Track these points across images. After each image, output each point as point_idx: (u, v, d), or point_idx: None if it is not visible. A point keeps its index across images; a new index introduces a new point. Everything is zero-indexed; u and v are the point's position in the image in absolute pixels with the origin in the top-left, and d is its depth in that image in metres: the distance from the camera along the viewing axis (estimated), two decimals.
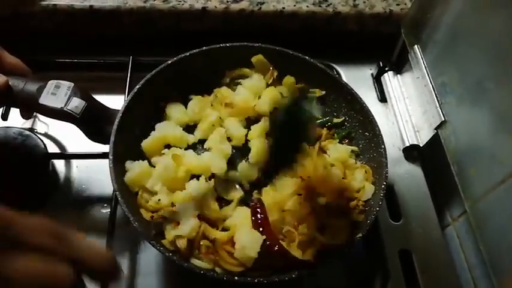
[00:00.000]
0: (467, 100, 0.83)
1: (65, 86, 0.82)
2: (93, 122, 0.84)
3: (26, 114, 0.89)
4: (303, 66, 0.97)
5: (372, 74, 1.15)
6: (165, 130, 0.88)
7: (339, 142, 0.93)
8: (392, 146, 1.01)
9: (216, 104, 0.95)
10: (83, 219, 0.90)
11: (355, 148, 0.92)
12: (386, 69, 1.11)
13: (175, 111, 0.92)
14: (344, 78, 1.08)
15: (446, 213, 0.95)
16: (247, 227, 0.76)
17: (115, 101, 0.92)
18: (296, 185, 0.80)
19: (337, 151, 0.89)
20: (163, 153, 0.85)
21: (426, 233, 0.90)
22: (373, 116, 0.89)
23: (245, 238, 0.73)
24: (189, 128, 0.93)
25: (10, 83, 0.79)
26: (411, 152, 1.00)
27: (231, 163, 0.86)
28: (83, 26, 1.11)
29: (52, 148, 0.98)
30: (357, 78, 1.11)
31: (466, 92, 0.84)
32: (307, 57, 0.96)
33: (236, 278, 0.72)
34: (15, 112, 0.93)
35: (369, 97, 1.06)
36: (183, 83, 0.94)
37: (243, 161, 0.87)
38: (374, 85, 1.13)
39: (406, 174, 0.98)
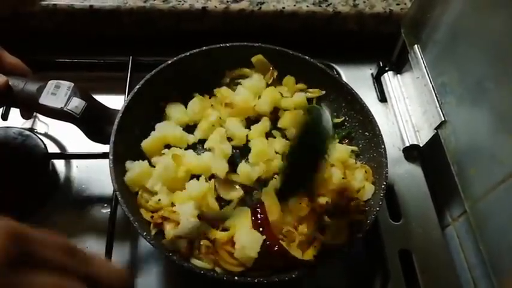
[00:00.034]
0: (467, 100, 0.83)
1: (65, 86, 0.82)
2: (93, 122, 0.84)
3: (26, 114, 0.89)
4: (303, 66, 0.97)
5: (372, 74, 1.15)
6: (165, 130, 0.88)
7: (338, 142, 0.93)
8: (392, 146, 1.01)
9: (216, 104, 0.95)
10: (83, 219, 0.90)
11: (355, 148, 0.92)
12: (387, 69, 1.11)
13: (175, 111, 0.92)
14: (344, 78, 1.08)
15: (446, 213, 0.95)
16: (247, 227, 0.76)
17: (115, 101, 0.92)
18: None
19: (337, 151, 0.89)
20: (163, 153, 0.85)
21: (426, 233, 0.90)
22: (373, 116, 0.89)
23: (245, 238, 0.73)
24: (189, 128, 0.93)
25: (10, 83, 0.79)
26: (411, 152, 1.00)
27: (231, 163, 0.86)
28: (83, 26, 1.11)
29: (52, 148, 0.98)
30: (357, 78, 1.11)
31: (466, 92, 0.84)
32: (307, 57, 0.96)
33: (236, 278, 0.72)
34: (15, 112, 0.93)
35: (368, 97, 1.06)
36: (183, 83, 0.94)
37: (243, 161, 0.88)
38: (374, 85, 1.13)
39: (406, 174, 0.98)
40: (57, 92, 0.81)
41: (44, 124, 1.02)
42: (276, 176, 0.85)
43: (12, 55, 0.82)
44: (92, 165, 0.96)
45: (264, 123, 0.92)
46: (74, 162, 0.97)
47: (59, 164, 0.97)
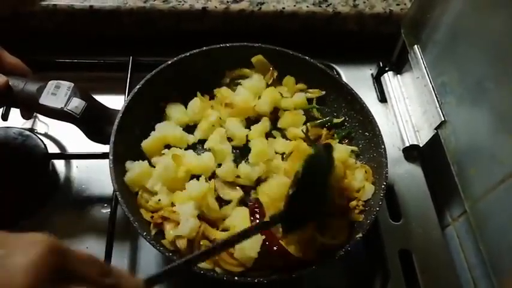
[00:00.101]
0: (467, 100, 0.83)
1: (65, 86, 0.82)
2: (93, 122, 0.84)
3: (26, 115, 0.89)
4: (303, 66, 0.97)
5: (371, 74, 1.15)
6: (165, 130, 0.88)
7: (338, 142, 0.93)
8: (392, 146, 1.01)
9: (216, 105, 0.95)
10: (83, 219, 0.90)
11: (355, 148, 0.92)
12: (386, 69, 1.11)
13: (175, 111, 0.92)
14: (344, 79, 1.08)
15: (446, 213, 0.95)
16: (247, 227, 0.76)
17: (115, 101, 0.92)
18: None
19: (337, 151, 0.89)
20: (163, 154, 0.85)
21: (426, 233, 0.90)
22: (373, 116, 0.89)
23: None
24: (189, 128, 0.93)
25: (10, 83, 0.79)
26: (411, 152, 1.00)
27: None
28: (83, 26, 1.11)
29: (52, 148, 0.98)
30: (357, 79, 1.11)
31: (466, 92, 0.84)
32: (307, 58, 0.96)
33: (236, 278, 0.72)
34: (15, 112, 0.93)
35: (368, 97, 1.06)
36: (183, 83, 0.94)
37: (243, 161, 0.88)
38: (374, 85, 1.13)
39: (406, 174, 0.98)
40: (57, 92, 0.81)
41: (44, 124, 1.02)
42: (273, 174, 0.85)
43: (12, 55, 0.82)
44: (92, 165, 0.96)
45: (264, 124, 0.92)
46: (74, 162, 0.97)
47: (59, 164, 0.97)
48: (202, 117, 0.92)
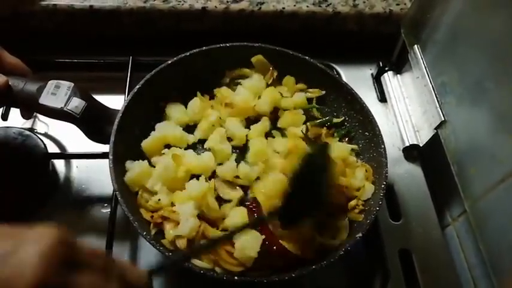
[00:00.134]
0: (467, 100, 0.83)
1: (64, 86, 0.82)
2: (93, 122, 0.84)
3: (26, 114, 0.89)
4: (303, 66, 0.97)
5: (371, 74, 1.15)
6: (165, 130, 0.88)
7: (338, 141, 0.93)
8: (392, 146, 1.01)
9: (216, 104, 0.95)
10: (83, 219, 0.90)
11: (354, 147, 0.92)
12: (386, 69, 1.11)
13: (175, 111, 0.92)
14: (344, 78, 1.08)
15: (446, 213, 0.95)
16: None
17: (115, 101, 0.92)
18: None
19: (337, 149, 0.89)
20: (163, 153, 0.85)
21: (426, 233, 0.90)
22: (373, 116, 0.89)
23: (244, 238, 0.73)
24: (189, 128, 0.93)
25: (10, 83, 0.79)
26: (411, 152, 1.00)
27: None
28: (83, 26, 1.11)
29: (52, 148, 0.98)
30: (357, 78, 1.11)
31: (465, 92, 0.84)
32: (307, 57, 0.96)
33: (236, 277, 0.72)
34: (15, 112, 0.93)
35: (368, 97, 1.06)
36: (183, 83, 0.94)
37: (242, 161, 0.87)
38: (374, 85, 1.14)
39: (406, 174, 0.98)
40: (57, 92, 0.81)
41: (44, 124, 1.03)
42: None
43: (12, 55, 0.82)
44: (91, 165, 0.96)
45: (264, 123, 0.92)
46: (74, 162, 0.97)
47: (59, 164, 0.97)
48: (202, 117, 0.92)
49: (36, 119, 1.03)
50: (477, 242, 0.79)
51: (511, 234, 0.70)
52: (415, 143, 0.98)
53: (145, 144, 0.86)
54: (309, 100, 0.98)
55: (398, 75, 1.10)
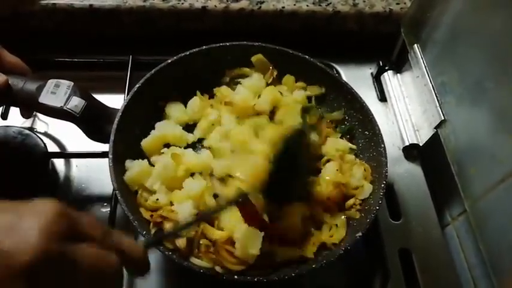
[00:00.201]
0: (467, 99, 0.83)
1: (64, 85, 0.82)
2: (92, 121, 0.84)
3: (25, 113, 0.89)
4: (302, 65, 0.97)
5: (371, 74, 1.15)
6: (164, 129, 0.88)
7: (340, 138, 0.93)
8: (392, 145, 1.01)
9: (215, 104, 0.95)
10: None
11: (353, 146, 0.92)
12: (386, 68, 1.11)
13: (174, 110, 0.92)
14: (344, 78, 1.08)
15: (446, 212, 0.95)
16: (245, 225, 0.75)
17: (115, 100, 0.92)
18: None
19: (336, 145, 0.89)
20: (163, 153, 0.85)
21: (426, 232, 0.90)
22: (372, 115, 0.89)
23: (245, 237, 0.73)
24: (189, 128, 0.93)
25: (10, 82, 0.79)
26: (411, 151, 1.00)
27: None
28: (82, 25, 1.11)
29: (52, 147, 0.98)
30: (357, 78, 1.11)
31: (465, 92, 0.84)
32: (307, 57, 0.96)
33: (236, 277, 0.72)
34: (15, 111, 0.93)
35: (368, 96, 1.06)
36: (183, 82, 0.94)
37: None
38: (374, 84, 1.13)
39: (406, 174, 0.98)
40: (57, 91, 0.81)
41: (44, 123, 1.02)
42: None
43: (12, 54, 0.82)
44: (91, 164, 0.96)
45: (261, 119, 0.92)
46: (74, 161, 0.97)
47: (59, 163, 0.97)
48: (201, 116, 0.92)
49: (36, 118, 1.03)
50: (477, 242, 0.79)
51: (511, 234, 0.70)
52: (415, 142, 0.98)
53: (145, 143, 0.86)
54: (309, 99, 0.98)
55: (398, 74, 1.10)
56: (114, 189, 0.77)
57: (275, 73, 0.98)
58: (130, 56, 1.06)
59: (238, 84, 0.97)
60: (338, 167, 0.85)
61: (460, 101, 0.86)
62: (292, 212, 0.79)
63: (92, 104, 0.83)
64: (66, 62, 1.10)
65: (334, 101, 0.97)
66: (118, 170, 0.79)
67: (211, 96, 0.97)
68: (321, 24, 1.13)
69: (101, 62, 1.11)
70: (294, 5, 1.11)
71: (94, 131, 0.85)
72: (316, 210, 0.81)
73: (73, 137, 0.95)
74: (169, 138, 0.88)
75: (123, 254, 0.50)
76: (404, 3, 1.13)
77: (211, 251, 0.74)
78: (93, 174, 0.95)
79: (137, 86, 0.88)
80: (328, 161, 0.88)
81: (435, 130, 0.91)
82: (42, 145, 0.92)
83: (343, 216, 0.82)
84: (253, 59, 0.97)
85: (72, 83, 0.83)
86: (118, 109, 0.84)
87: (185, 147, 0.89)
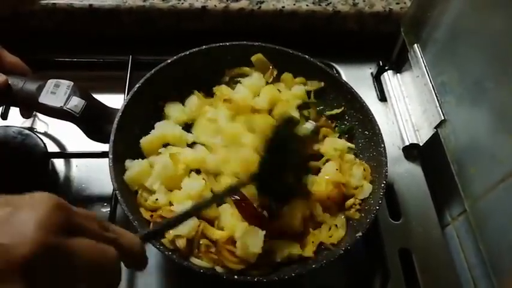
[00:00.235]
0: (467, 99, 0.83)
1: (64, 85, 0.82)
2: (92, 121, 0.84)
3: (25, 113, 0.89)
4: (302, 65, 0.97)
5: (371, 73, 1.15)
6: (164, 129, 0.87)
7: (338, 137, 0.93)
8: (392, 145, 1.01)
9: (215, 102, 0.94)
10: None
11: (352, 145, 0.92)
12: (386, 68, 1.11)
13: (173, 110, 0.92)
14: (344, 77, 1.08)
15: (446, 212, 0.95)
16: (245, 224, 0.76)
17: (115, 100, 0.92)
18: None
19: (334, 143, 0.89)
20: (160, 153, 0.85)
21: (426, 232, 0.90)
22: (372, 115, 0.89)
23: (246, 236, 0.73)
24: (189, 127, 0.92)
25: (10, 82, 0.79)
26: (411, 151, 1.00)
27: None
28: (82, 25, 1.11)
29: (52, 147, 0.98)
30: (357, 77, 1.11)
31: (465, 91, 0.84)
32: (306, 56, 0.96)
33: (236, 277, 0.71)
34: (14, 111, 0.93)
35: (368, 96, 1.06)
36: (183, 82, 0.94)
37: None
38: (374, 84, 1.13)
39: (406, 173, 0.98)
40: (57, 91, 0.81)
41: (44, 123, 1.02)
42: None
43: (12, 54, 0.82)
44: (91, 164, 0.96)
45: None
46: (74, 161, 0.97)
47: (59, 163, 0.97)
48: (199, 115, 0.92)
49: (36, 118, 1.03)
50: (477, 241, 0.79)
51: (511, 234, 0.70)
52: (415, 142, 0.98)
53: (144, 141, 0.85)
54: (309, 96, 0.97)
55: (398, 74, 1.10)
56: (114, 189, 0.77)
57: (275, 72, 0.98)
58: (130, 56, 1.05)
59: (238, 83, 0.96)
60: (338, 167, 0.85)
61: (460, 100, 0.85)
62: (292, 208, 0.79)
63: (91, 104, 0.83)
64: (66, 62, 1.10)
65: (334, 101, 0.97)
66: (118, 170, 0.79)
67: (211, 96, 0.97)
68: (320, 24, 1.13)
69: (101, 62, 1.11)
70: (294, 4, 1.11)
71: (94, 131, 0.85)
72: (316, 210, 0.81)
73: (73, 137, 0.95)
74: (169, 138, 0.87)
75: (121, 247, 0.49)
76: (404, 2, 1.13)
77: (212, 251, 0.74)
78: (93, 174, 0.95)
79: (137, 86, 0.88)
80: (327, 160, 0.88)
81: (435, 130, 0.91)
82: (42, 145, 0.92)
83: (342, 216, 0.82)
84: (253, 58, 0.97)
85: (72, 83, 0.83)
86: (118, 109, 0.84)
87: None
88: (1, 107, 0.97)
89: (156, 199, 0.78)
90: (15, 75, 0.81)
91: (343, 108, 0.95)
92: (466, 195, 0.82)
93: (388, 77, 1.10)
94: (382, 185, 0.81)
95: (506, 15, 0.74)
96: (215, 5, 1.09)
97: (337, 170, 0.85)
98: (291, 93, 0.96)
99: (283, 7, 1.10)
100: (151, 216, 0.78)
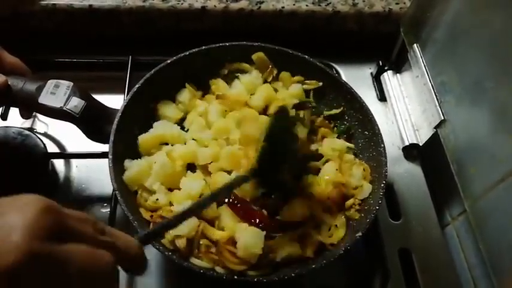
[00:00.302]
0: (466, 99, 0.83)
1: (64, 86, 0.82)
2: (92, 121, 0.84)
3: (25, 114, 0.89)
4: (302, 65, 0.97)
5: (371, 73, 1.15)
6: (162, 129, 0.87)
7: (337, 137, 0.93)
8: (392, 145, 1.01)
9: (208, 96, 0.94)
10: None
11: (351, 145, 0.92)
12: (386, 68, 1.11)
13: (167, 110, 0.91)
14: (343, 77, 1.08)
15: (446, 212, 0.95)
16: (245, 224, 0.76)
17: (114, 101, 0.92)
18: None
19: (332, 143, 0.89)
20: (153, 152, 0.85)
21: (426, 232, 0.90)
22: (372, 115, 0.89)
23: (246, 236, 0.73)
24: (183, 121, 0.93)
25: (9, 83, 0.79)
26: (411, 151, 1.00)
27: None
28: (82, 26, 1.11)
29: (52, 148, 0.98)
30: (357, 78, 1.11)
31: (465, 91, 0.84)
32: (306, 56, 0.96)
33: (236, 277, 0.72)
34: (14, 112, 0.93)
35: (368, 96, 1.06)
36: (183, 82, 0.94)
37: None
38: (373, 84, 1.13)
39: (406, 173, 0.98)
40: (57, 92, 0.81)
41: (44, 124, 1.02)
42: None
43: (11, 55, 0.82)
44: (91, 164, 0.96)
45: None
46: (74, 161, 0.97)
47: (59, 164, 0.97)
48: (191, 108, 0.92)
49: (36, 119, 1.03)
50: (477, 241, 0.79)
51: (511, 234, 0.70)
52: (415, 142, 0.98)
53: (142, 139, 0.85)
54: (307, 96, 0.97)
55: (397, 74, 1.10)
56: (114, 190, 0.77)
57: (275, 72, 0.98)
58: (130, 57, 1.05)
59: (236, 79, 0.96)
60: (337, 167, 0.85)
61: (459, 100, 0.86)
62: (292, 205, 0.79)
63: (91, 104, 0.83)
64: (66, 63, 1.10)
65: (333, 101, 0.97)
66: (118, 170, 0.79)
67: (206, 92, 0.97)
68: (320, 24, 1.13)
69: (101, 62, 1.11)
70: (294, 5, 1.11)
71: (94, 131, 0.85)
72: (315, 210, 0.81)
73: (73, 137, 0.95)
74: (167, 138, 0.87)
75: (117, 250, 0.47)
76: (404, 3, 1.13)
77: (212, 252, 0.74)
78: (93, 174, 0.95)
79: (137, 86, 0.88)
80: (327, 161, 0.88)
81: (435, 130, 0.91)
82: (42, 146, 0.92)
83: (342, 216, 0.82)
84: (254, 56, 0.97)
85: (72, 84, 0.83)
86: (118, 109, 0.84)
87: None
88: (1, 108, 0.97)
89: (157, 199, 0.78)
90: (15, 76, 0.81)
91: (342, 108, 0.95)
92: (465, 195, 0.82)
93: (387, 77, 1.10)
94: (382, 185, 0.81)
95: (505, 15, 0.74)
96: (215, 6, 1.09)
97: (336, 170, 0.85)
98: (288, 92, 0.96)
99: (282, 7, 1.10)
100: (151, 216, 0.78)
